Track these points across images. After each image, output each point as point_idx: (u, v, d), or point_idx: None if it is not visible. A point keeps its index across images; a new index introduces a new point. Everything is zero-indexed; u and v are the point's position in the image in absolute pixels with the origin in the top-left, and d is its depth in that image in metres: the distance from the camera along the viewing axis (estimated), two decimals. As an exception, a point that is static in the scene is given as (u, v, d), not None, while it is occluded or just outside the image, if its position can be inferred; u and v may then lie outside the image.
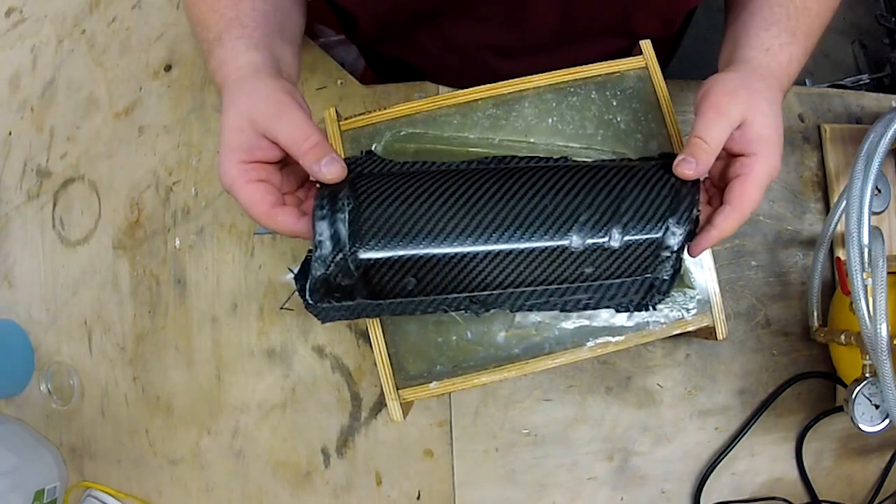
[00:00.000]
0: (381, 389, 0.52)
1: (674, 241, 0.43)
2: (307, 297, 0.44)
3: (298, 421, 0.63)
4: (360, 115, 0.54)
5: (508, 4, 0.57)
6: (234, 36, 0.49)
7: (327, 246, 0.42)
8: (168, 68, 0.69)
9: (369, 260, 0.43)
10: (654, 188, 0.44)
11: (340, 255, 0.42)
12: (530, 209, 0.43)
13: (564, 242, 0.43)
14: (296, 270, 0.46)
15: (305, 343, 0.64)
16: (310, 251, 0.43)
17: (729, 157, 0.46)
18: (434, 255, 0.43)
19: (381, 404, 0.63)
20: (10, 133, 0.71)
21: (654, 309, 0.46)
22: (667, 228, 0.43)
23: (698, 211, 0.44)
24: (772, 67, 0.49)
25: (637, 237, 0.43)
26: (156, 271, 0.66)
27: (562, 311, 0.46)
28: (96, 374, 0.66)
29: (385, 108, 0.54)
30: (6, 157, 0.71)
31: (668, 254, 0.44)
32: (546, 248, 0.43)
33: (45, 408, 0.66)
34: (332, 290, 0.44)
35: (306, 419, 0.63)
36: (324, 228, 0.42)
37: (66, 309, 0.67)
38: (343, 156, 0.53)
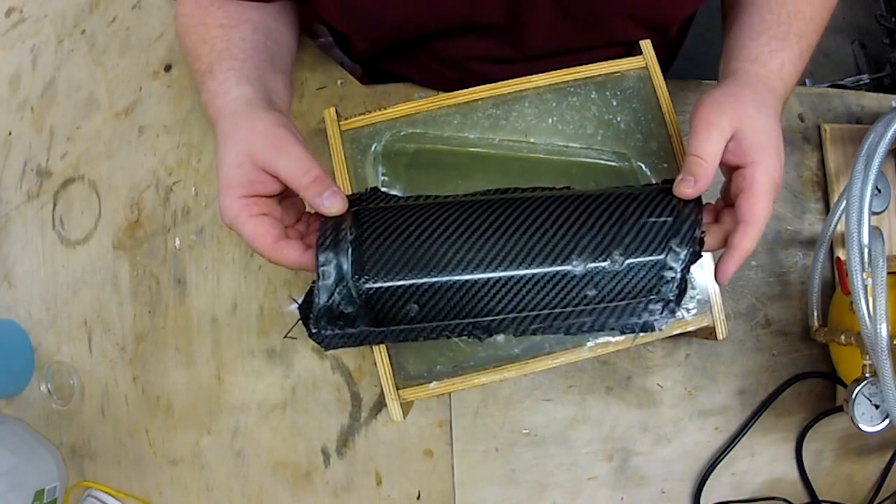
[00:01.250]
0: (381, 389, 0.52)
1: (677, 261, 0.43)
2: (310, 326, 0.45)
3: (298, 421, 0.63)
4: (360, 115, 0.54)
5: (505, 23, 0.57)
6: (225, 68, 0.49)
7: (331, 276, 0.43)
8: (168, 68, 0.69)
9: (372, 289, 0.43)
10: (655, 210, 0.44)
11: (343, 286, 0.43)
12: (531, 236, 0.43)
13: (567, 267, 0.43)
14: (300, 301, 0.46)
15: (305, 343, 0.64)
16: (313, 282, 0.44)
17: (730, 171, 0.46)
18: (436, 284, 0.43)
19: (381, 404, 0.63)
20: (10, 133, 0.71)
21: (661, 329, 0.46)
22: (670, 249, 0.43)
23: (702, 231, 0.43)
24: (760, 74, 0.49)
25: (640, 259, 0.43)
26: (156, 271, 0.66)
27: (566, 333, 0.46)
28: (96, 374, 0.66)
29: (385, 108, 0.54)
30: (6, 157, 0.71)
31: (673, 274, 0.43)
32: (548, 273, 0.43)
33: (45, 408, 0.66)
34: (335, 319, 0.44)
35: (306, 419, 0.63)
36: (327, 259, 0.43)
37: (66, 309, 0.67)
38: (343, 157, 0.53)
